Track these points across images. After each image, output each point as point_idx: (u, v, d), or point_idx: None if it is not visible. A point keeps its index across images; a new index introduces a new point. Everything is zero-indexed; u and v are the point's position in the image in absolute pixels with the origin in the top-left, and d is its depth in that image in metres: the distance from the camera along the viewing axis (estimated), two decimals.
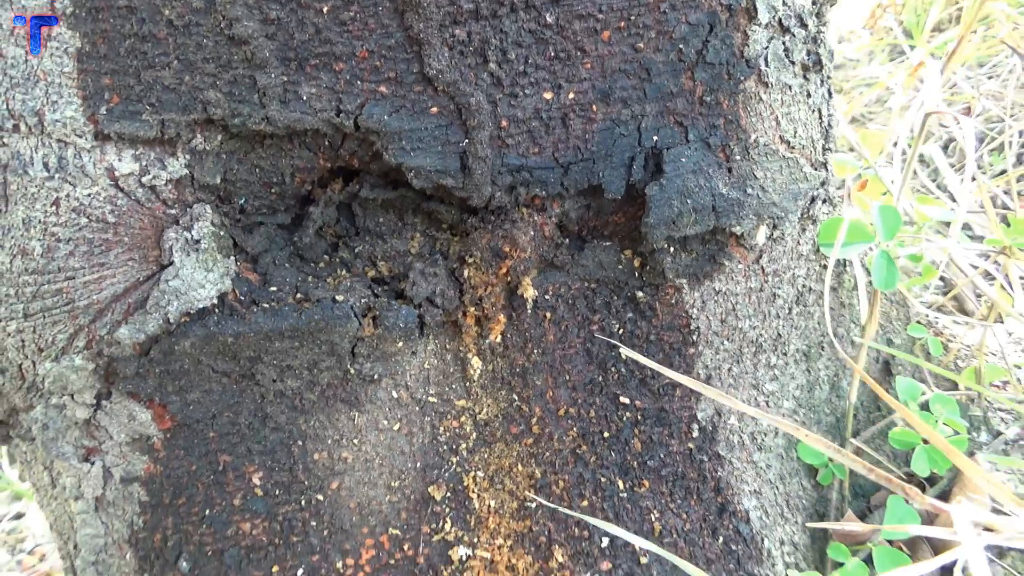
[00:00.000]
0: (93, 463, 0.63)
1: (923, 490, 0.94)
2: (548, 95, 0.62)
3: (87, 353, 0.60)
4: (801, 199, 0.70)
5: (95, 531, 0.65)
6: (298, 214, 0.69)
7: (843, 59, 2.09)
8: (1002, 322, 1.06)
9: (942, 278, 1.26)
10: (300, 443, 0.67)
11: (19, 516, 2.30)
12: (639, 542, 0.55)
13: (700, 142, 0.66)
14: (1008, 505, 0.52)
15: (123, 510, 0.64)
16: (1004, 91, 1.60)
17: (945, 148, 1.78)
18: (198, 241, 0.61)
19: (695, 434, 0.74)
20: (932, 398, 0.88)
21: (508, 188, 0.65)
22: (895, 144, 1.07)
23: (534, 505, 0.70)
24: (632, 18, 0.59)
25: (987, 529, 0.74)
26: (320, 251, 0.70)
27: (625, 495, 0.71)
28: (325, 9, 0.55)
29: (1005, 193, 1.45)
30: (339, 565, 0.66)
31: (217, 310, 0.62)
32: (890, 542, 0.84)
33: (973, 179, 1.51)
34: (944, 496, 0.94)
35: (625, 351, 0.62)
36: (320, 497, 0.66)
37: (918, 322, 1.04)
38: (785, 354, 0.82)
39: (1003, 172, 1.63)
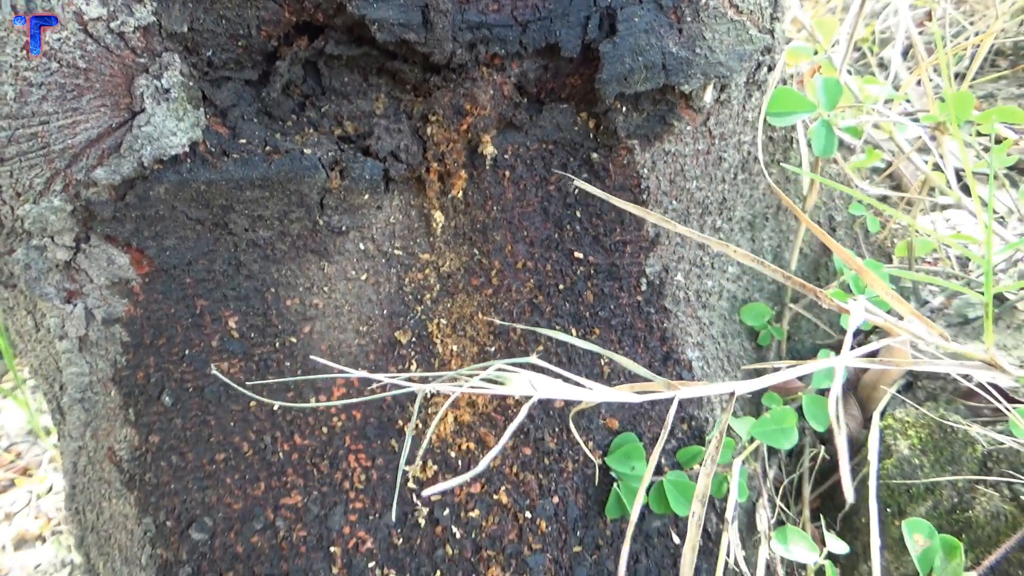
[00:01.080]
0: (75, 305, 0.67)
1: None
2: None
3: (65, 195, 0.63)
4: (747, 61, 0.74)
5: (80, 370, 0.69)
6: (265, 71, 0.71)
7: None
8: (934, 200, 1.12)
9: (889, 164, 1.32)
10: (273, 290, 0.71)
11: None
12: (578, 394, 0.60)
13: (652, 3, 0.69)
14: (903, 311, 0.59)
15: (106, 350, 0.68)
16: None
17: (905, 54, 1.82)
18: (168, 90, 0.63)
19: (643, 288, 0.80)
20: (865, 262, 0.95)
21: (468, 45, 0.68)
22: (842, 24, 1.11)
23: (493, 349, 0.76)
24: None
25: (877, 329, 0.82)
26: (287, 110, 0.72)
27: (577, 334, 0.77)
28: None
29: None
30: (312, 401, 0.71)
31: (189, 159, 0.65)
32: (820, 393, 0.92)
33: (906, 54, 1.56)
34: (871, 353, 1.02)
35: (583, 185, 0.66)
36: (293, 340, 0.71)
37: (859, 201, 1.10)
38: (730, 219, 0.87)
39: (958, 76, 1.68)
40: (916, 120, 1.08)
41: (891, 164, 1.32)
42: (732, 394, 0.55)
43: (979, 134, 1.09)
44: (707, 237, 0.58)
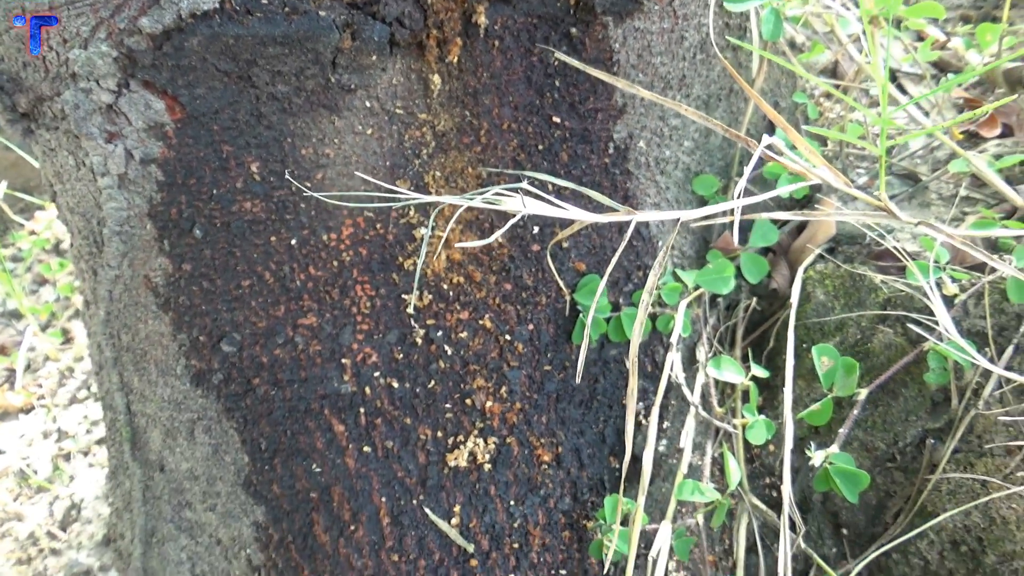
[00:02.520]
0: (116, 145, 0.76)
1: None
2: None
3: (110, 42, 0.71)
4: None
5: (119, 205, 0.78)
6: None
7: None
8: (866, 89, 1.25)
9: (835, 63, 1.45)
10: (289, 140, 0.80)
11: None
12: (559, 212, 0.72)
13: None
14: (816, 161, 0.72)
15: (143, 187, 0.78)
16: None
17: None
18: None
19: (611, 151, 0.92)
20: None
21: None
22: None
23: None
24: None
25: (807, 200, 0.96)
26: None
27: (552, 194, 0.89)
28: None
29: None
30: (324, 238, 0.82)
31: (218, 15, 0.73)
32: (764, 252, 1.06)
33: None
34: (802, 225, 1.17)
35: (563, 57, 0.77)
36: (308, 184, 0.81)
37: (802, 90, 1.22)
38: (688, 96, 0.99)
39: None
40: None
41: (836, 60, 1.44)
42: (678, 220, 0.68)
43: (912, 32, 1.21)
44: (667, 100, 0.69)
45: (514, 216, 0.62)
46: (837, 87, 1.28)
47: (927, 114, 1.38)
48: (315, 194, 0.79)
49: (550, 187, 0.90)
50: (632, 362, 0.78)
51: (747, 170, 0.64)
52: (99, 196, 0.79)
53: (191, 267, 0.80)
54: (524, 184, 0.63)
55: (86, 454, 1.87)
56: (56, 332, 2.28)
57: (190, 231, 0.80)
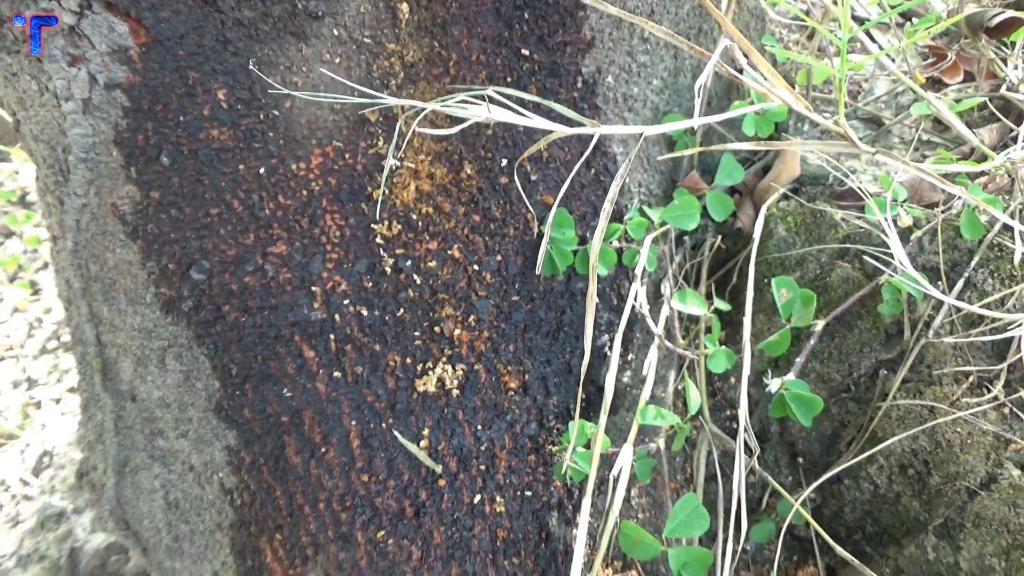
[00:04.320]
0: (79, 69, 0.75)
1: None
2: None
3: None
4: None
5: (84, 131, 0.78)
6: None
7: None
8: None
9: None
10: (256, 67, 0.80)
11: None
12: (525, 121, 0.73)
13: None
14: (777, 83, 0.74)
15: (108, 113, 0.77)
16: None
17: None
18: None
19: (579, 85, 0.92)
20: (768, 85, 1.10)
21: None
22: None
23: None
24: None
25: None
26: None
27: (521, 129, 0.90)
28: None
29: None
30: (293, 168, 0.82)
31: None
32: (730, 192, 1.08)
33: None
34: (767, 167, 1.19)
35: None
36: (276, 113, 0.81)
37: (771, 34, 1.23)
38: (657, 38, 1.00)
39: None
40: None
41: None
42: (641, 135, 0.70)
43: None
44: (637, 17, 0.70)
45: (485, 124, 0.63)
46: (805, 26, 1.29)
47: (893, 60, 1.39)
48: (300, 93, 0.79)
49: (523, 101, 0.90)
50: (591, 292, 0.80)
51: (703, 77, 0.65)
52: (63, 122, 0.78)
53: (159, 195, 0.80)
54: (491, 90, 0.64)
55: (57, 402, 1.87)
56: (24, 283, 2.26)
57: (157, 158, 0.79)
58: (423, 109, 0.88)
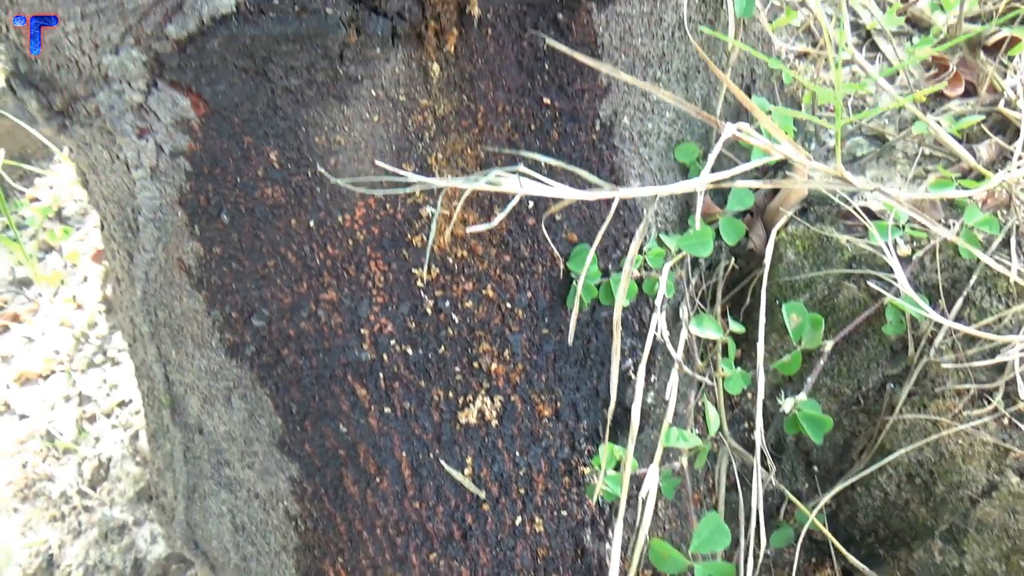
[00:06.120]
0: (147, 140, 0.83)
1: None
2: None
3: (139, 48, 0.77)
4: None
5: (152, 194, 0.86)
6: None
7: None
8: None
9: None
10: (304, 129, 0.87)
11: None
12: (552, 192, 0.80)
13: None
14: (780, 138, 0.80)
15: (173, 177, 0.85)
16: None
17: None
18: None
19: (597, 128, 0.99)
20: (774, 111, 1.16)
21: None
22: None
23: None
24: None
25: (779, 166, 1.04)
26: None
27: (546, 171, 0.97)
28: None
29: None
30: (340, 219, 0.90)
31: (235, 17, 0.79)
32: (735, 216, 1.15)
33: None
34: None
35: (554, 44, 0.84)
36: (322, 170, 0.89)
37: (777, 56, 1.29)
38: (668, 71, 1.06)
39: None
40: None
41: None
42: (655, 196, 0.76)
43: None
44: (647, 84, 0.77)
45: (513, 197, 0.70)
46: (807, 54, 1.35)
47: (897, 73, 1.45)
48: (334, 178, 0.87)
49: (543, 165, 0.97)
50: (616, 323, 0.88)
51: (712, 153, 0.72)
52: (133, 186, 0.86)
53: (220, 249, 0.88)
54: (520, 167, 0.71)
55: (108, 416, 1.97)
56: (68, 299, 2.35)
57: (218, 216, 0.87)
58: (456, 159, 0.95)
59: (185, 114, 0.82)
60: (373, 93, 0.89)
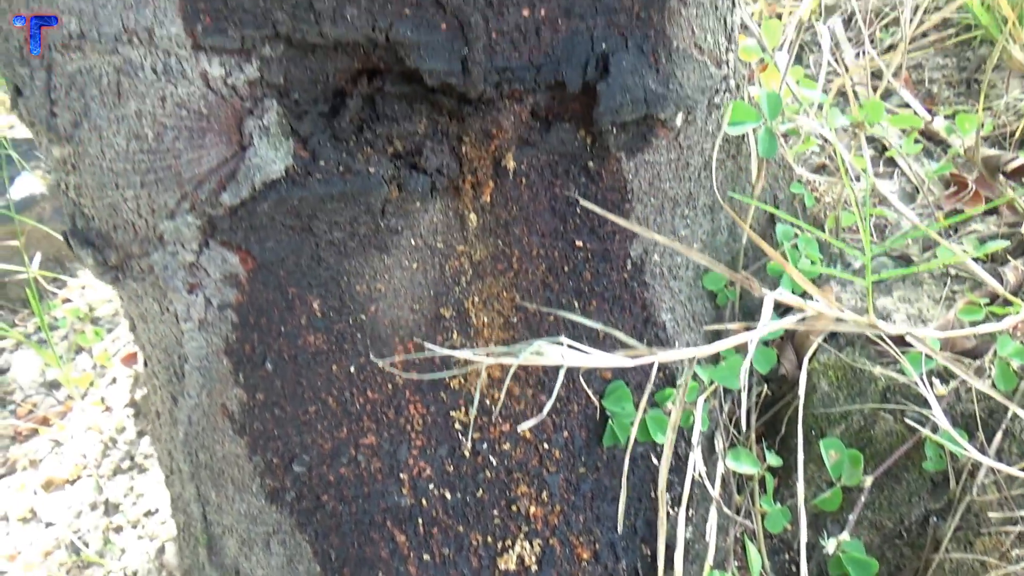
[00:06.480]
0: (196, 295, 0.86)
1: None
2: (526, 12, 0.83)
3: (193, 213, 0.81)
4: (707, 92, 0.95)
5: (199, 344, 0.89)
6: (334, 105, 0.89)
7: None
8: (858, 179, 1.35)
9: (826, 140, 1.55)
10: (345, 279, 0.91)
11: (3, 371, 2.49)
12: (594, 362, 0.82)
13: (637, 49, 0.89)
14: (812, 292, 0.82)
15: (220, 328, 0.88)
16: None
17: (848, 21, 2.03)
18: (268, 127, 0.81)
19: (629, 267, 1.02)
20: (800, 239, 1.18)
21: (495, 84, 0.87)
22: (785, 32, 1.32)
23: (515, 320, 0.97)
24: None
25: (790, 307, 1.06)
26: (350, 133, 0.91)
27: (579, 311, 0.99)
28: None
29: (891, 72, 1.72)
30: (379, 364, 0.92)
31: (284, 180, 0.84)
32: (765, 344, 1.16)
33: (837, 72, 1.77)
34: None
35: (584, 203, 0.87)
36: (363, 317, 0.91)
37: (798, 181, 1.33)
38: (695, 208, 1.09)
39: (891, 47, 1.91)
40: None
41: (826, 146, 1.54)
42: (693, 359, 0.78)
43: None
44: (676, 244, 0.79)
45: (559, 368, 0.72)
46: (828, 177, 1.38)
47: (917, 190, 1.48)
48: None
49: (576, 302, 1.00)
50: (663, 474, 0.88)
51: (758, 331, 0.74)
52: (181, 337, 0.89)
53: (264, 396, 0.90)
54: (563, 338, 0.73)
55: (135, 526, 1.96)
56: (96, 402, 2.37)
57: (262, 364, 0.90)
58: (492, 302, 0.98)
59: (234, 270, 0.86)
60: (412, 242, 0.93)
